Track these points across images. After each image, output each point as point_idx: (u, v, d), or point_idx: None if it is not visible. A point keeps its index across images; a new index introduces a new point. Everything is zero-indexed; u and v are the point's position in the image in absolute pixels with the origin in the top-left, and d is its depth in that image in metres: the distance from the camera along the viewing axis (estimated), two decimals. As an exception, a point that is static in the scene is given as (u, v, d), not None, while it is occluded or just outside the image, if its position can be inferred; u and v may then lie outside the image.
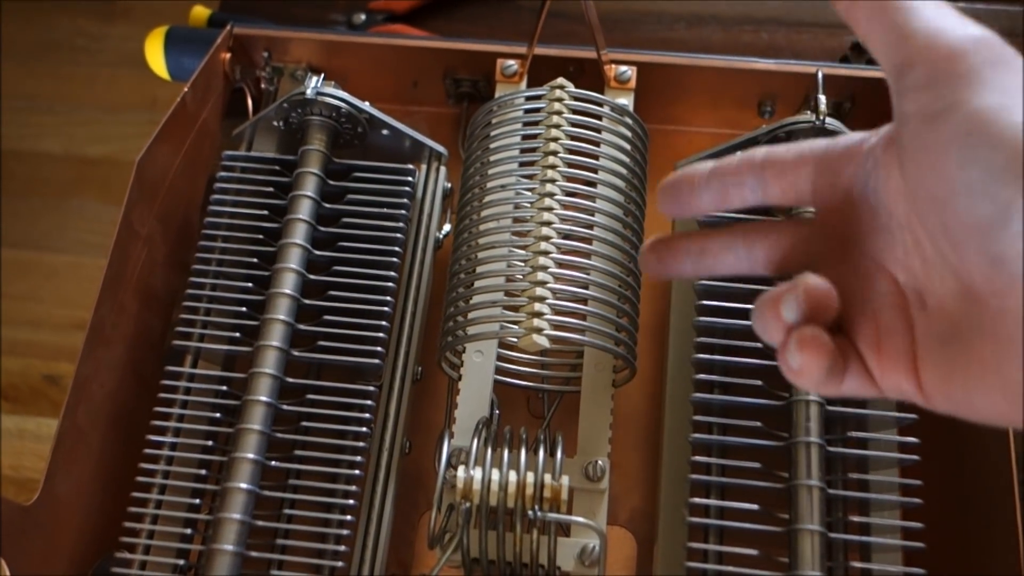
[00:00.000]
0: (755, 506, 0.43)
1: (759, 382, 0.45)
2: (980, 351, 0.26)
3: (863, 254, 0.30)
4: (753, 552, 0.42)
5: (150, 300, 0.52)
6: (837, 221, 0.31)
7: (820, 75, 0.51)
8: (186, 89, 0.53)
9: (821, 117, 0.48)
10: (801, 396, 0.44)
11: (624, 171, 0.48)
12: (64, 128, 1.38)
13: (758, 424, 0.44)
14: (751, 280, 0.46)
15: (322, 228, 0.50)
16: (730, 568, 0.43)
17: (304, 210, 0.49)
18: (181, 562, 0.44)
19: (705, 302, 0.47)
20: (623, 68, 0.55)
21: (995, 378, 0.25)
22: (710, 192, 0.33)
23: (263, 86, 0.60)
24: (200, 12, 0.67)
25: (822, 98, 0.49)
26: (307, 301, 0.48)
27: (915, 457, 0.44)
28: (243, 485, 0.43)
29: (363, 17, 0.67)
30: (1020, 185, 0.24)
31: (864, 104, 0.56)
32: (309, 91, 0.50)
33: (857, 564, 0.43)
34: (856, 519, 0.44)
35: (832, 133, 0.48)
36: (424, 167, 0.54)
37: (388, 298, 0.48)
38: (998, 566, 0.43)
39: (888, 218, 0.29)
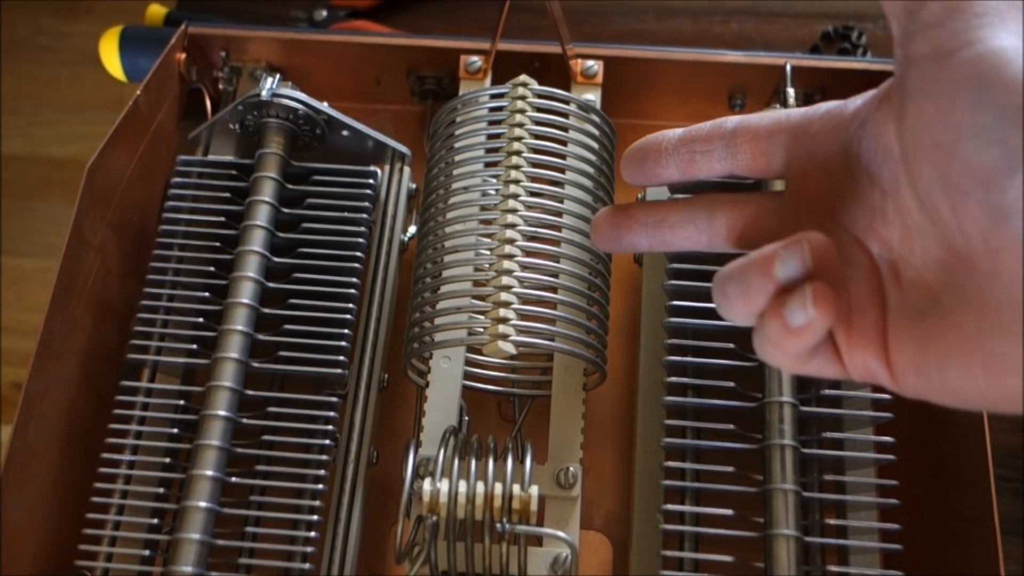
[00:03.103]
0: (730, 511, 0.42)
1: (731, 383, 0.44)
2: (961, 320, 0.24)
3: (835, 226, 0.29)
4: (728, 559, 0.41)
5: (105, 311, 0.51)
6: (810, 192, 0.30)
7: (788, 68, 0.50)
8: (139, 91, 0.51)
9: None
10: (775, 398, 0.43)
11: (590, 169, 0.47)
12: (28, 128, 1.35)
13: (731, 427, 0.44)
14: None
15: (281, 234, 0.48)
16: (706, 575, 0.42)
17: (262, 216, 0.48)
18: (142, 583, 0.43)
19: (675, 303, 0.46)
20: (590, 63, 0.53)
21: (976, 349, 0.24)
22: (677, 159, 0.32)
23: (221, 87, 0.58)
24: (156, 11, 0.65)
25: (791, 91, 0.48)
26: (267, 310, 0.46)
27: (891, 457, 0.43)
28: (202, 504, 0.42)
29: (324, 13, 0.65)
30: None
31: (834, 95, 0.54)
32: (264, 93, 0.49)
33: (834, 568, 0.42)
34: (833, 522, 0.43)
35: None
36: (387, 168, 0.53)
37: (350, 305, 0.47)
38: (977, 566, 0.42)
39: (870, 185, 0.28)
